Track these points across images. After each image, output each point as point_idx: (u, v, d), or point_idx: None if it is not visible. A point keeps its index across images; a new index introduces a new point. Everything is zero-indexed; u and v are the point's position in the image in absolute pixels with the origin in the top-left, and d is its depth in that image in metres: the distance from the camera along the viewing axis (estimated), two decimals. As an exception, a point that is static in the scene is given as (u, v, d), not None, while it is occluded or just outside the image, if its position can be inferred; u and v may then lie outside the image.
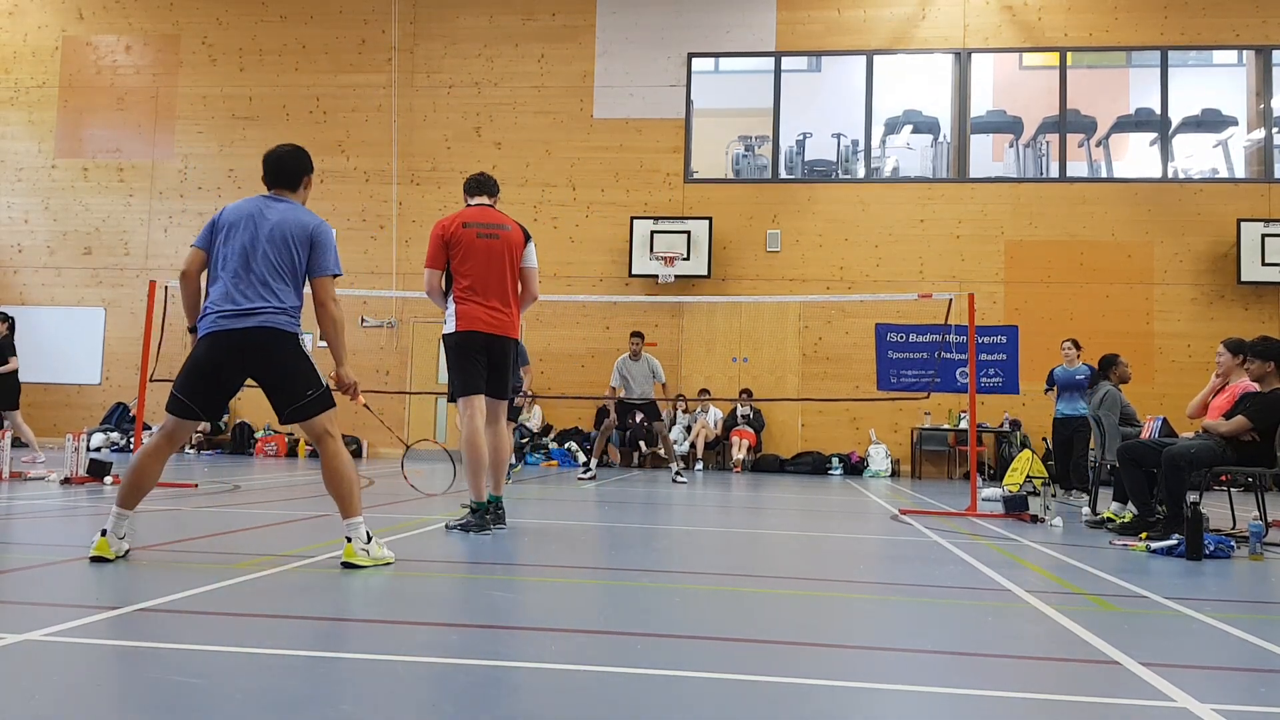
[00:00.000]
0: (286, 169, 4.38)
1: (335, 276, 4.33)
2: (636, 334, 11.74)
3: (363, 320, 16.79)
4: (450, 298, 5.74)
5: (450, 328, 5.69)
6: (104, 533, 4.08)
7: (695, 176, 16.86)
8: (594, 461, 11.83)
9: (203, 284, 4.35)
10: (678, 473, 11.55)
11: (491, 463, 5.76)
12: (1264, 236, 15.14)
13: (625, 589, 4.16)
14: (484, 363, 5.67)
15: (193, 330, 4.30)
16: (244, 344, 4.13)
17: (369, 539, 4.20)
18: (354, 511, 4.19)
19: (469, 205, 6.02)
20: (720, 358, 16.25)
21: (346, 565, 4.13)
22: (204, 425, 16.14)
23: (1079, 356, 10.85)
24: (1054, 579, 4.66)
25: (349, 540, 4.16)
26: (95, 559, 4.06)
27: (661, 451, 15.72)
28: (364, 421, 16.62)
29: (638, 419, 12.99)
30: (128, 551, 4.20)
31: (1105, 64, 19.01)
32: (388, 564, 4.24)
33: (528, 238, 5.90)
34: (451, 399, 5.77)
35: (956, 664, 2.91)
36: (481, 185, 6.04)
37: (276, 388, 4.20)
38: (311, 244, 4.26)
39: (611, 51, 16.91)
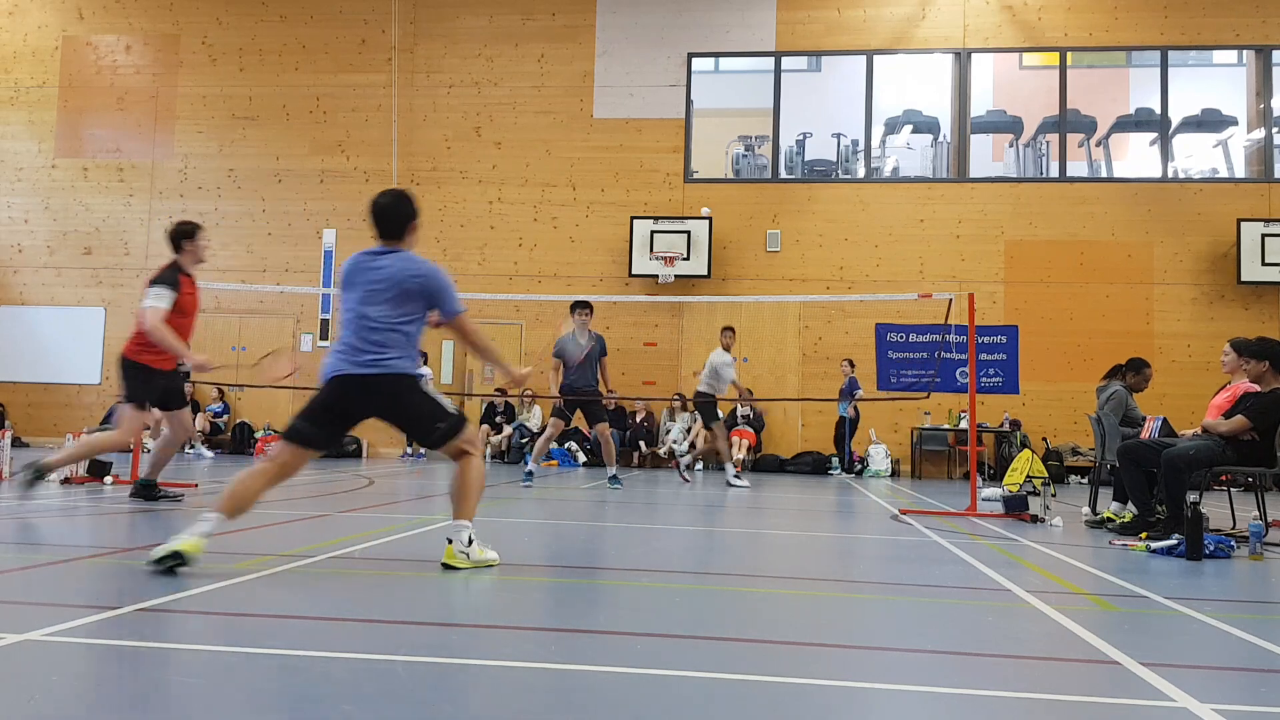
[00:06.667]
0: (391, 218, 4.43)
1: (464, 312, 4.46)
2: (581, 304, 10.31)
3: (363, 320, 16.77)
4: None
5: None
6: (200, 534, 3.87)
7: (695, 176, 16.86)
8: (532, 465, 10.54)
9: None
10: (613, 476, 10.33)
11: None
12: (1264, 236, 15.13)
13: (625, 589, 4.16)
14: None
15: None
16: (371, 388, 4.26)
17: (470, 542, 4.26)
18: (465, 515, 4.30)
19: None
20: (720, 358, 16.21)
21: (446, 567, 4.22)
22: (204, 425, 16.15)
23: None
24: (1054, 579, 4.66)
25: (450, 541, 4.26)
26: (174, 555, 3.79)
27: (661, 451, 15.75)
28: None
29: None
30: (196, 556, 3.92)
31: (1105, 64, 19.01)
32: (490, 565, 4.30)
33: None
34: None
35: (956, 664, 2.91)
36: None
37: (406, 427, 4.49)
38: (428, 293, 4.35)
39: (611, 51, 16.90)
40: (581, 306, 10.23)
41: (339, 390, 4.27)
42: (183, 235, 6.87)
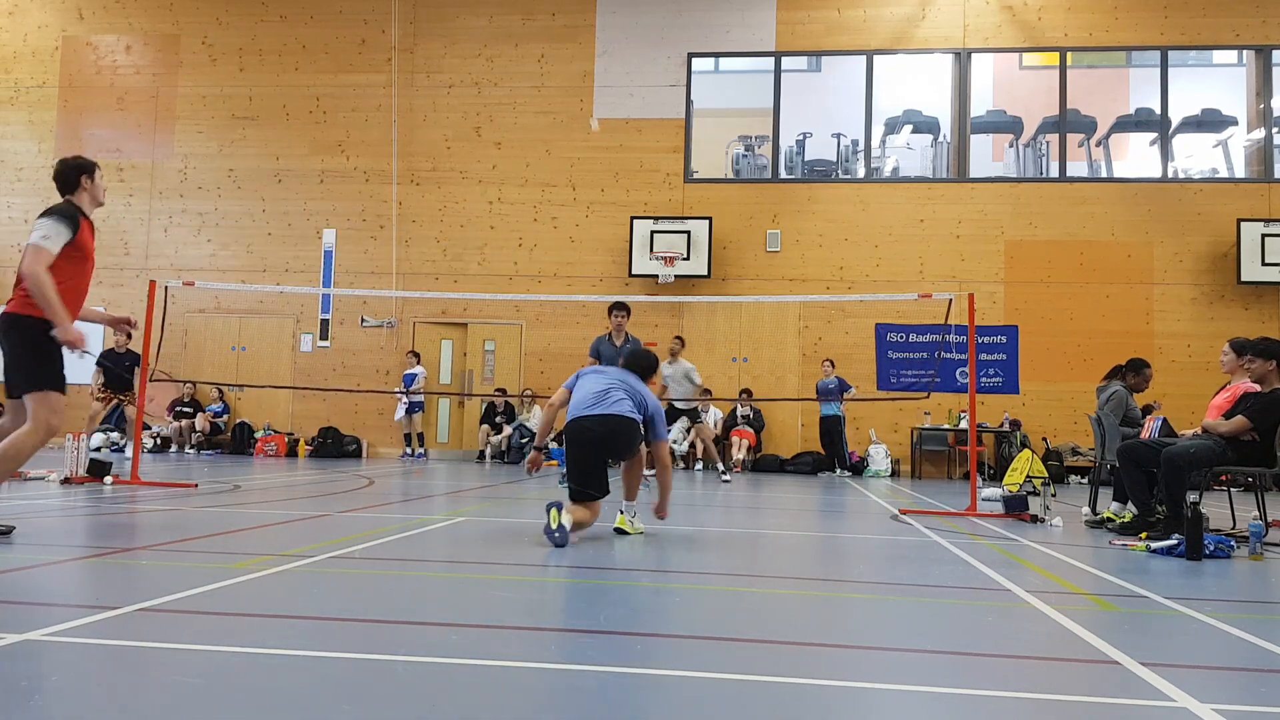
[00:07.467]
0: (646, 370, 6.09)
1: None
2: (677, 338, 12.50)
3: (363, 320, 16.79)
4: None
5: None
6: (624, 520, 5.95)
7: (695, 176, 16.86)
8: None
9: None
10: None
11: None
12: (1264, 236, 15.14)
13: (625, 589, 4.16)
14: None
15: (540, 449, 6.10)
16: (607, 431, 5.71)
17: (634, 515, 6.00)
18: (631, 498, 6.03)
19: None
20: (720, 358, 16.24)
21: (618, 531, 5.88)
22: (204, 425, 16.15)
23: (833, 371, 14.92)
24: (1054, 579, 4.66)
25: (622, 513, 5.96)
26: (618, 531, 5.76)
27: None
28: (364, 422, 16.64)
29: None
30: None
31: (1105, 64, 19.02)
32: (640, 533, 5.94)
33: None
34: None
35: (956, 664, 2.91)
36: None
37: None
38: (654, 422, 5.87)
39: (611, 51, 16.91)
40: (619, 309, 10.16)
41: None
42: (80, 170, 5.60)
